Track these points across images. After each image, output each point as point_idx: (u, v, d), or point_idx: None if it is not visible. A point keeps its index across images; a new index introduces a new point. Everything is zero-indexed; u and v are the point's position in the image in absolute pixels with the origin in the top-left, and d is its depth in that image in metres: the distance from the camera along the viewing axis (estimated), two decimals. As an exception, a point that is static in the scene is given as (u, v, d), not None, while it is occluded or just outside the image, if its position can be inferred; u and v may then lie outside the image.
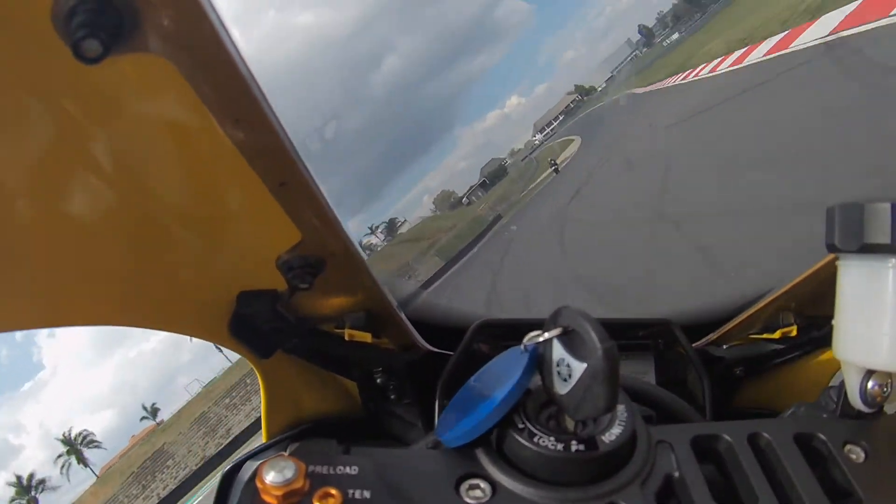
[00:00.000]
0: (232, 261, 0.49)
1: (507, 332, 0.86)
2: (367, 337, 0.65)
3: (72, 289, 0.40)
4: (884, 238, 0.36)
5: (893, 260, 0.37)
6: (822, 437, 0.42)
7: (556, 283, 6.93)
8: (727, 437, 0.43)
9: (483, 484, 0.38)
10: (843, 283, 0.40)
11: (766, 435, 0.43)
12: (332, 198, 0.44)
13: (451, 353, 0.80)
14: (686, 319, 0.85)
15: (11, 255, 0.35)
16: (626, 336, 0.88)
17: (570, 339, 0.37)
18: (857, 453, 0.41)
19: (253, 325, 0.56)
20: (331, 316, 0.64)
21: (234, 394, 32.23)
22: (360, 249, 0.52)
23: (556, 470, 0.37)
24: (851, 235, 0.37)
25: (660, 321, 0.84)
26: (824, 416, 0.46)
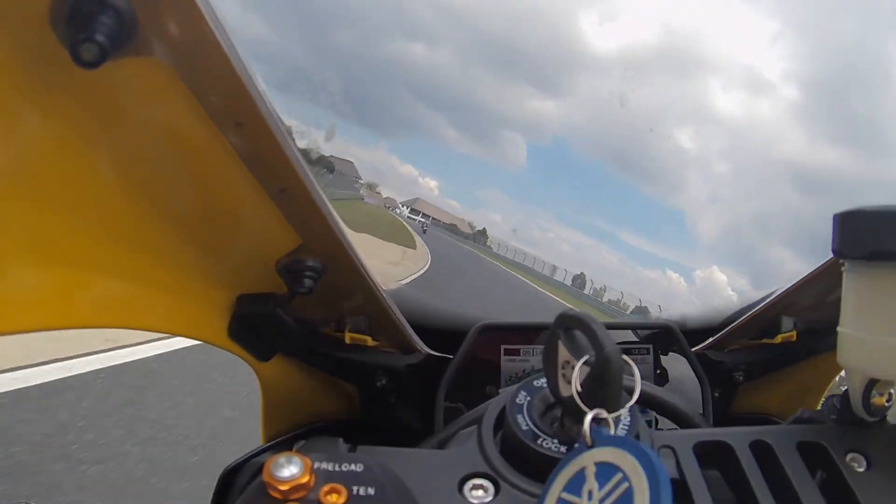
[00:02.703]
0: (231, 265, 0.48)
1: (508, 336, 0.86)
2: (367, 340, 0.65)
3: (72, 292, 0.40)
4: (892, 244, 0.35)
5: (900, 267, 0.36)
6: (824, 445, 0.42)
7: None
8: (730, 444, 0.43)
9: (486, 484, 0.38)
10: (848, 289, 0.40)
11: (768, 442, 0.43)
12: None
13: (452, 356, 0.80)
14: (686, 324, 0.85)
15: (11, 259, 0.35)
16: (626, 340, 0.88)
17: (575, 342, 0.37)
18: (859, 462, 0.41)
19: (252, 328, 0.55)
20: (331, 319, 0.64)
21: None
22: (360, 254, 0.52)
23: None
24: (858, 241, 0.37)
25: (661, 325, 0.84)
26: (827, 424, 0.45)
